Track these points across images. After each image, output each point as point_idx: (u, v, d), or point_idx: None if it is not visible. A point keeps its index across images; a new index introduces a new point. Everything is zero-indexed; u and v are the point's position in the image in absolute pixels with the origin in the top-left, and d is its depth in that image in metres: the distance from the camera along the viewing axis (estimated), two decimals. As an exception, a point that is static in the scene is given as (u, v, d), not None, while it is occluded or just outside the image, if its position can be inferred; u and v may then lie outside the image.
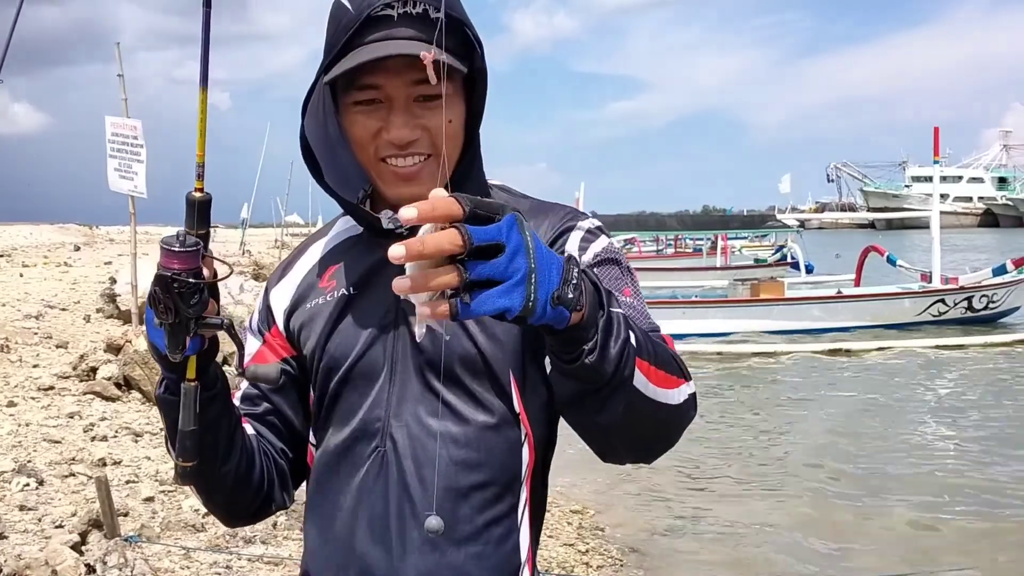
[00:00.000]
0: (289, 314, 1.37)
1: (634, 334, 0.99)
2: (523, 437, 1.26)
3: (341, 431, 1.29)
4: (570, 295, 0.89)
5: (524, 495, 1.28)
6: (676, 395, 1.08)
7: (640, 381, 1.01)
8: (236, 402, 1.36)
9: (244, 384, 1.38)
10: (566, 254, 0.93)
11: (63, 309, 11.51)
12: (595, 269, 1.21)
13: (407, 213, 0.81)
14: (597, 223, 1.32)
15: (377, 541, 1.24)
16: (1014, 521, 6.23)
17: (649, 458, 1.16)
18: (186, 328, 1.07)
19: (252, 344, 1.41)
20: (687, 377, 1.12)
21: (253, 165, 33.63)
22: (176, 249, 1.06)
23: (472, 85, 1.26)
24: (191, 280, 1.05)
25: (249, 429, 1.35)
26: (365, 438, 1.27)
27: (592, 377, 0.96)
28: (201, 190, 1.11)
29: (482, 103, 1.28)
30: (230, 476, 1.28)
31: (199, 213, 1.11)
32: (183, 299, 1.05)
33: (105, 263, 17.04)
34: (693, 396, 1.13)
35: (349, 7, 1.20)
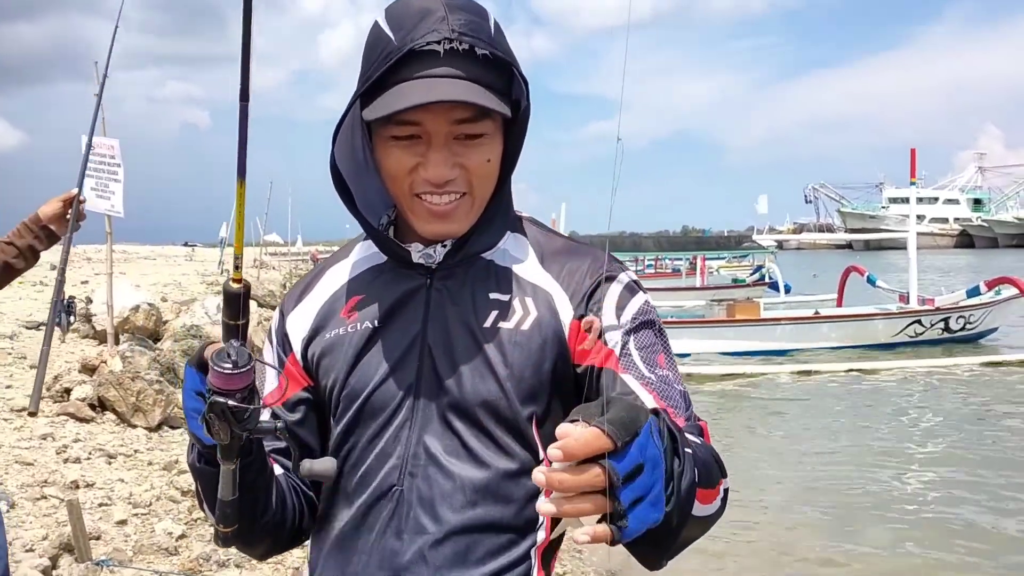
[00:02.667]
0: (308, 342, 1.34)
1: (697, 469, 0.95)
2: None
3: (358, 466, 1.26)
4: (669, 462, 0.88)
5: (539, 544, 1.25)
6: (717, 502, 1.05)
7: (697, 509, 0.97)
8: None
9: (265, 415, 1.34)
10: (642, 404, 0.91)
11: (38, 329, 11.40)
12: (633, 334, 1.21)
13: (558, 478, 0.79)
14: (634, 276, 1.30)
15: None
16: (976, 545, 6.26)
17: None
18: (239, 441, 1.04)
19: (271, 374, 1.37)
20: (724, 474, 1.07)
21: (232, 184, 33.38)
22: (230, 372, 1.00)
23: (511, 123, 1.25)
24: (247, 406, 1.01)
25: (277, 468, 1.32)
26: (382, 475, 1.24)
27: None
28: (239, 280, 1.05)
29: (520, 142, 1.26)
30: (269, 525, 1.26)
31: (241, 304, 1.06)
32: (237, 418, 1.01)
33: (82, 282, 16.92)
34: (727, 492, 1.09)
35: (391, 36, 1.15)
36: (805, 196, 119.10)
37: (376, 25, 1.19)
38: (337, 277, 1.37)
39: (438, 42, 1.13)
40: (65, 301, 3.29)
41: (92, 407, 6.97)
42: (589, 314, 1.24)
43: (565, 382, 1.23)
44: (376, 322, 1.28)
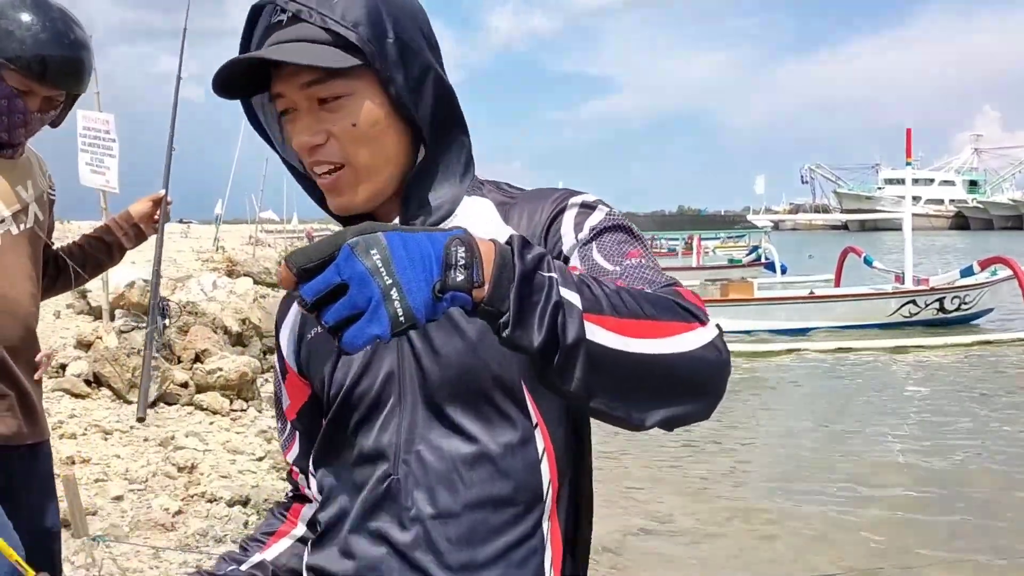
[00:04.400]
0: (297, 348, 1.34)
1: (579, 294, 0.92)
2: (542, 452, 1.20)
3: (351, 459, 1.24)
4: (459, 277, 0.87)
5: (548, 513, 1.21)
6: (675, 343, 0.97)
7: (605, 338, 0.92)
8: (295, 450, 1.39)
9: (297, 439, 1.39)
10: (453, 236, 0.89)
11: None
12: (595, 241, 1.15)
13: None
14: (592, 197, 1.23)
15: (393, 570, 1.19)
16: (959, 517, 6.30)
17: (690, 416, 1.03)
18: None
19: (283, 387, 1.40)
20: (700, 320, 1.01)
21: (227, 161, 33.38)
22: None
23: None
24: None
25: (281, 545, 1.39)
26: (376, 465, 1.21)
27: (522, 349, 0.91)
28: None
29: (410, 97, 1.16)
30: None
31: None
32: None
33: (76, 258, 16.84)
34: (715, 340, 1.01)
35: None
36: (801, 176, 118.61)
37: None
38: None
39: (258, 17, 1.17)
40: (161, 305, 3.27)
41: (87, 383, 6.96)
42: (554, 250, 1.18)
43: None
44: None
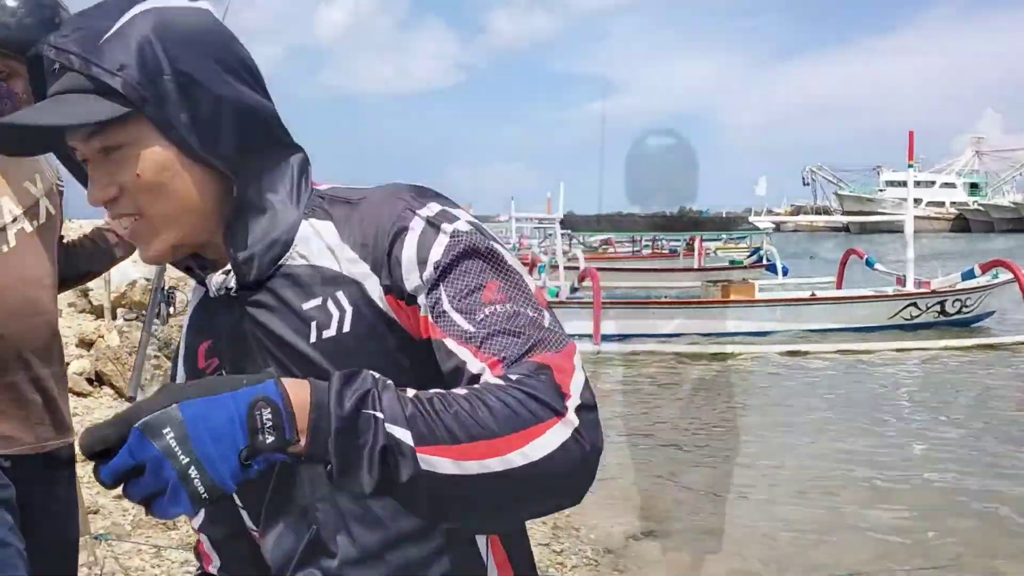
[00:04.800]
0: None
1: (410, 429, 0.86)
2: None
3: (271, 515, 1.17)
4: (268, 439, 0.83)
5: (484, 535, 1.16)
6: (523, 454, 0.88)
7: (444, 467, 0.86)
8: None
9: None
10: (258, 396, 0.84)
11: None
12: (443, 284, 1.03)
13: None
14: (436, 209, 1.07)
15: None
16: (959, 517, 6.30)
17: (554, 510, 1.00)
18: None
19: None
20: (557, 412, 0.90)
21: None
22: None
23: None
24: None
25: None
26: (297, 517, 1.15)
27: (357, 494, 0.88)
28: None
29: (200, 133, 1.04)
30: None
31: None
32: None
33: (78, 257, 16.81)
34: (574, 433, 0.90)
35: None
36: (803, 178, 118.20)
37: None
38: (193, 311, 1.27)
39: (51, 61, 1.04)
40: (165, 290, 3.23)
41: (89, 381, 6.99)
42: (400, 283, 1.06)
43: (426, 363, 1.05)
44: (229, 367, 1.17)
